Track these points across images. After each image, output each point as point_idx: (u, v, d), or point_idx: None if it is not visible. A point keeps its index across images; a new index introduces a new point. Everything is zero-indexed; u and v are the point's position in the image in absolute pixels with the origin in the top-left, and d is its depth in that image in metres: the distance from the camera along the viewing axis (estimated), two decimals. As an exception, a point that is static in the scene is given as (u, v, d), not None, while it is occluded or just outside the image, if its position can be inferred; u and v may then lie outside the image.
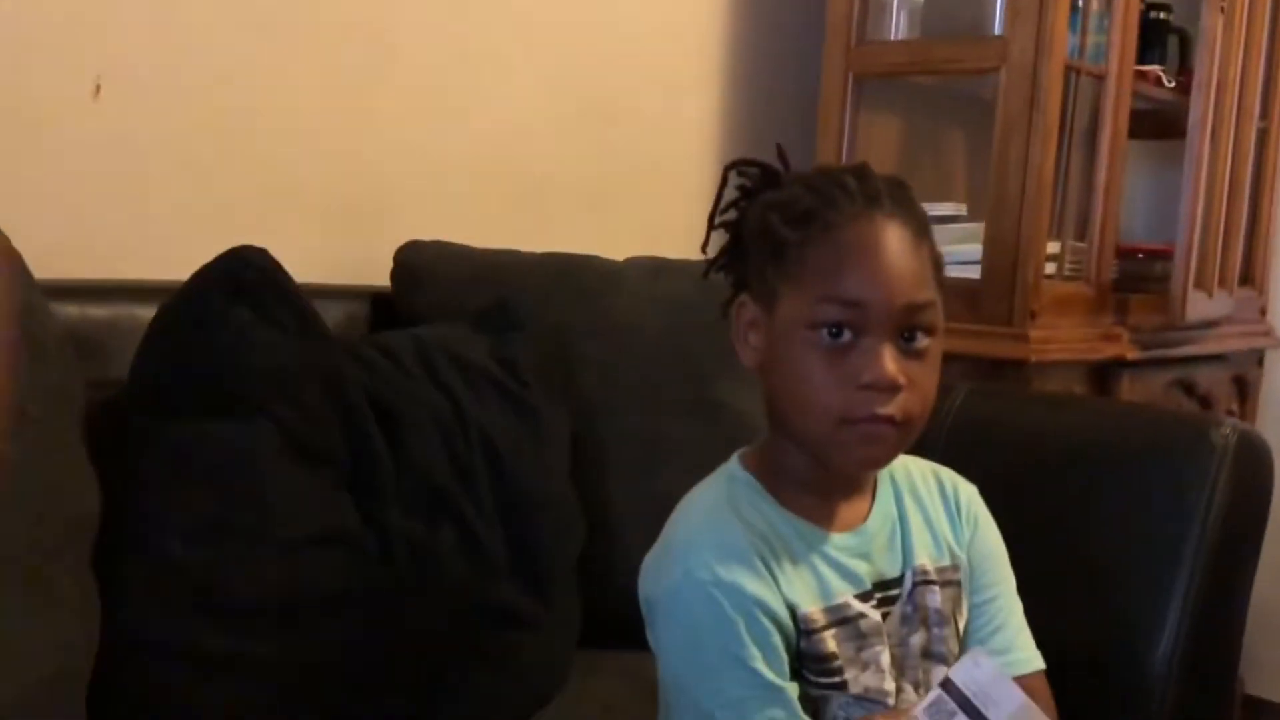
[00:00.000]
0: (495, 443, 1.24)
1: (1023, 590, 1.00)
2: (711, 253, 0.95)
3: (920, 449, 0.92)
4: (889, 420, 0.85)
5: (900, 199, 0.88)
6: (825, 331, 0.85)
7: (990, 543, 1.00)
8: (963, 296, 1.70)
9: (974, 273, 1.74)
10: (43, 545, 0.91)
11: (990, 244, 1.75)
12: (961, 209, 1.91)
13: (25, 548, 0.90)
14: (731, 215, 0.94)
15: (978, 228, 1.80)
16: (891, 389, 0.84)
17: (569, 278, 1.45)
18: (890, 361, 0.84)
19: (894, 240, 0.85)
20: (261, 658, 1.00)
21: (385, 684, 1.06)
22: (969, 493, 1.01)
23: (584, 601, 1.29)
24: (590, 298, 1.44)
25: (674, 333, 1.43)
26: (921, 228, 0.88)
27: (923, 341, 0.86)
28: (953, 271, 1.03)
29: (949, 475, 1.01)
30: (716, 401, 1.41)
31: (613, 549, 1.31)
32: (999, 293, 1.72)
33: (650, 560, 0.90)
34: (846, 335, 0.85)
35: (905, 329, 0.85)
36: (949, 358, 0.90)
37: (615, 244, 1.60)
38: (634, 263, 1.54)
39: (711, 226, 0.94)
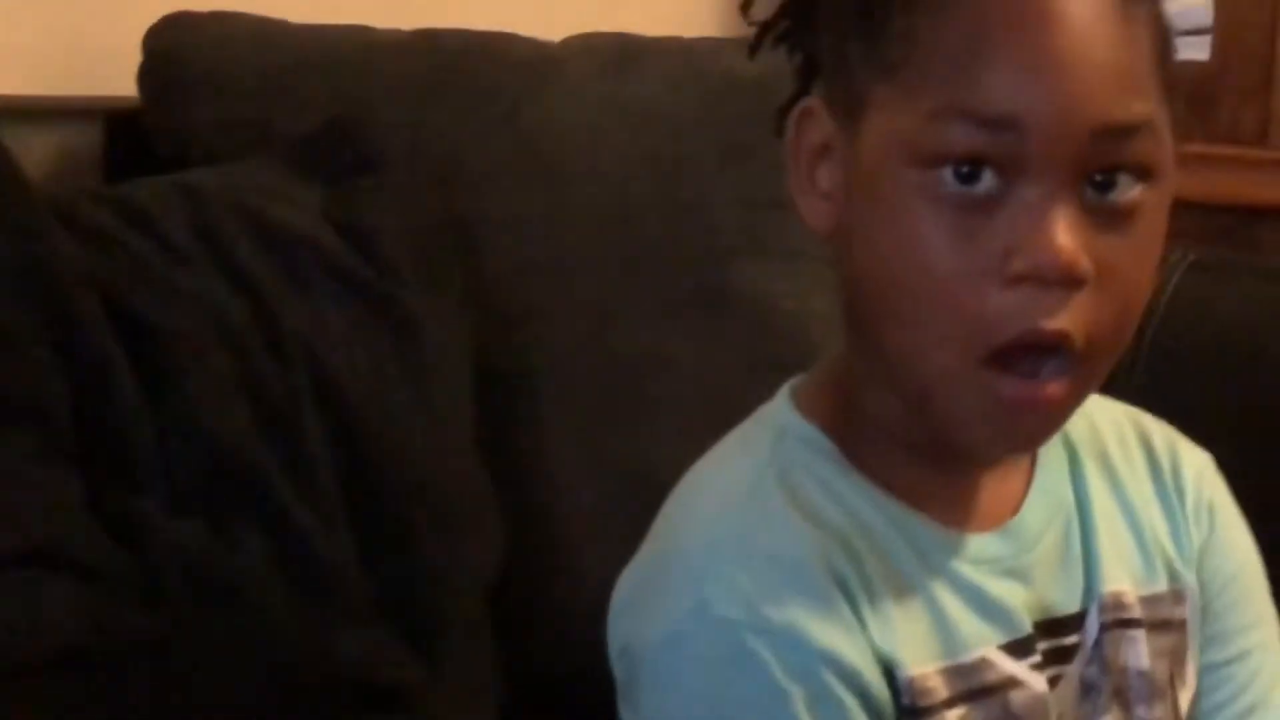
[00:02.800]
0: (337, 380, 1.27)
1: None
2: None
3: (1106, 379, 0.93)
4: (1060, 343, 0.85)
5: None
6: (951, 171, 0.85)
7: (1238, 554, 1.04)
8: (1181, 92, 1.72)
9: (1199, 51, 1.74)
10: None
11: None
12: None
13: None
14: None
15: None
16: (1067, 281, 0.84)
17: (463, 74, 1.47)
18: (1066, 230, 0.84)
19: (1082, 2, 0.86)
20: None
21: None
22: (1199, 465, 1.04)
23: (504, 658, 1.32)
24: (503, 110, 1.45)
25: (655, 171, 1.47)
26: None
27: (1130, 192, 0.87)
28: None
29: (1163, 434, 1.04)
30: (736, 294, 1.45)
31: (554, 566, 1.35)
32: (1245, 87, 1.71)
33: (631, 584, 0.93)
34: (988, 180, 0.85)
35: (1099, 170, 0.86)
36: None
37: (545, 9, 1.61)
38: (579, 45, 1.55)
39: None
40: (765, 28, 0.96)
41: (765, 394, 0.98)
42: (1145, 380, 1.03)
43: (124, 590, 1.13)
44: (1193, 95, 1.72)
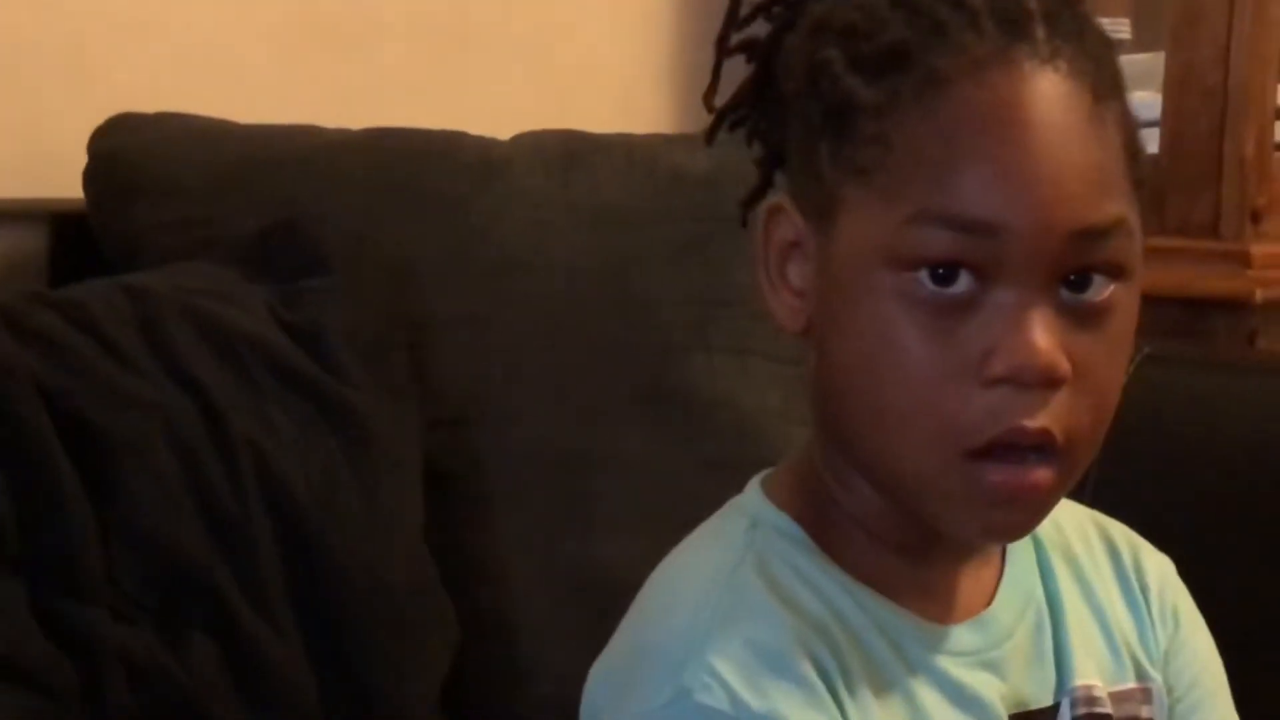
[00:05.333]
0: (286, 483, 1.26)
1: None
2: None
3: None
4: (1041, 442, 0.85)
5: (1066, 23, 0.88)
6: (927, 273, 0.85)
7: (1202, 657, 1.03)
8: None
9: (1150, 144, 1.73)
10: None
11: (1179, 90, 1.76)
12: (1123, 27, 1.92)
13: None
14: (755, 33, 0.94)
15: (1153, 61, 1.81)
16: (1045, 382, 0.85)
17: (411, 174, 1.47)
18: (1043, 331, 0.85)
19: (1055, 105, 0.86)
20: None
21: None
22: (1160, 568, 1.04)
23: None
24: (452, 209, 1.45)
25: (604, 267, 1.47)
26: (1105, 77, 0.89)
27: (1105, 291, 0.87)
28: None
29: (1124, 535, 1.04)
30: (686, 391, 1.44)
31: (508, 667, 1.33)
32: (1195, 179, 1.73)
33: (606, 677, 0.93)
34: (964, 282, 0.85)
35: (1075, 271, 0.86)
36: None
37: (494, 110, 1.63)
38: (527, 143, 1.55)
39: (722, 52, 0.95)
40: (722, 114, 0.96)
41: (717, 492, 0.97)
42: (1103, 474, 1.01)
43: (70, 700, 1.11)
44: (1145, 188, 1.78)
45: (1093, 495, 1.03)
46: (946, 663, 0.92)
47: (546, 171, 1.50)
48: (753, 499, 0.95)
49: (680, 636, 0.88)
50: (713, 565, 0.92)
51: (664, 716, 0.86)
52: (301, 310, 1.32)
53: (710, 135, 0.97)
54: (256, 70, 1.68)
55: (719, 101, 0.97)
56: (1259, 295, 1.71)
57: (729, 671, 0.86)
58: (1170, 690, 1.00)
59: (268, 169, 1.44)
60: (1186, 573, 1.04)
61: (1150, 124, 1.75)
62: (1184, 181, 1.75)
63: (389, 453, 1.31)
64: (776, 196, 0.93)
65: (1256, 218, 1.73)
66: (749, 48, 0.94)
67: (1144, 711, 0.98)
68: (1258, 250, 1.73)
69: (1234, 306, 1.70)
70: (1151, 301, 1.54)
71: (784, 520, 0.93)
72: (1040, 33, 0.86)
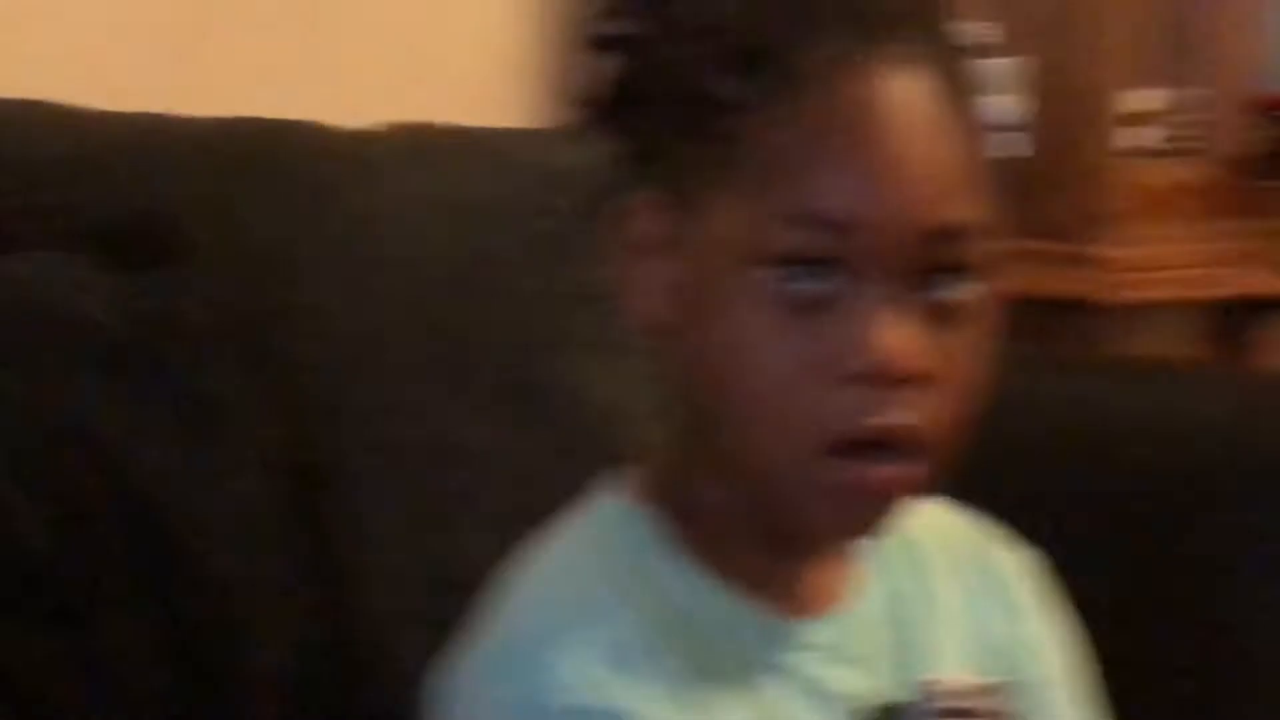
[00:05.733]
0: (136, 472, 1.24)
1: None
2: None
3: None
4: (896, 440, 0.87)
5: (925, 24, 0.90)
6: (785, 271, 0.86)
7: (1064, 650, 1.04)
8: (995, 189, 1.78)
9: (1017, 146, 1.80)
10: None
11: (1041, 95, 1.79)
12: (991, 32, 1.92)
13: None
14: (619, 27, 0.94)
15: (1018, 66, 1.85)
16: (903, 380, 0.86)
17: (273, 163, 1.44)
18: (901, 330, 0.86)
19: (914, 105, 0.87)
20: None
21: None
22: (1023, 564, 1.05)
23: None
24: (313, 200, 1.42)
25: (466, 262, 1.46)
26: (958, 78, 0.90)
27: (962, 289, 0.88)
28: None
29: (983, 529, 1.05)
30: (548, 387, 1.44)
31: (368, 663, 1.32)
32: (1054, 182, 1.76)
33: (455, 675, 0.92)
34: (825, 280, 0.86)
35: (932, 270, 0.87)
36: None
37: (353, 101, 1.61)
38: (389, 134, 1.53)
39: (587, 47, 0.95)
40: (586, 108, 0.96)
41: (576, 484, 0.97)
42: (966, 475, 1.02)
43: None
44: (1005, 188, 1.81)
45: (959, 494, 1.04)
46: (803, 658, 0.93)
47: (408, 163, 1.49)
48: (607, 496, 0.96)
49: (531, 636, 0.89)
50: (565, 563, 0.93)
51: (513, 717, 0.86)
52: (160, 301, 1.30)
53: (575, 130, 0.97)
54: (115, 58, 1.66)
55: (583, 96, 0.97)
56: (1110, 298, 1.74)
57: (579, 671, 0.86)
58: (1031, 683, 1.01)
59: (126, 157, 1.41)
60: (1045, 567, 1.05)
61: (1014, 129, 1.79)
62: (1041, 184, 1.78)
63: (245, 444, 1.30)
64: (637, 192, 0.93)
65: (1109, 221, 1.77)
66: (613, 42, 0.94)
67: (1004, 705, 0.99)
68: (1110, 254, 1.77)
69: (1085, 309, 1.73)
70: (1011, 302, 1.59)
71: (640, 518, 0.93)
72: (900, 33, 0.87)
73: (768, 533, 0.93)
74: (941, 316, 0.88)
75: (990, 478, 1.15)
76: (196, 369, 1.29)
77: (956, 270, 0.88)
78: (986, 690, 0.98)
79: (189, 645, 1.23)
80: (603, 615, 0.89)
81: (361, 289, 1.42)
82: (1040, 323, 1.71)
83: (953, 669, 0.98)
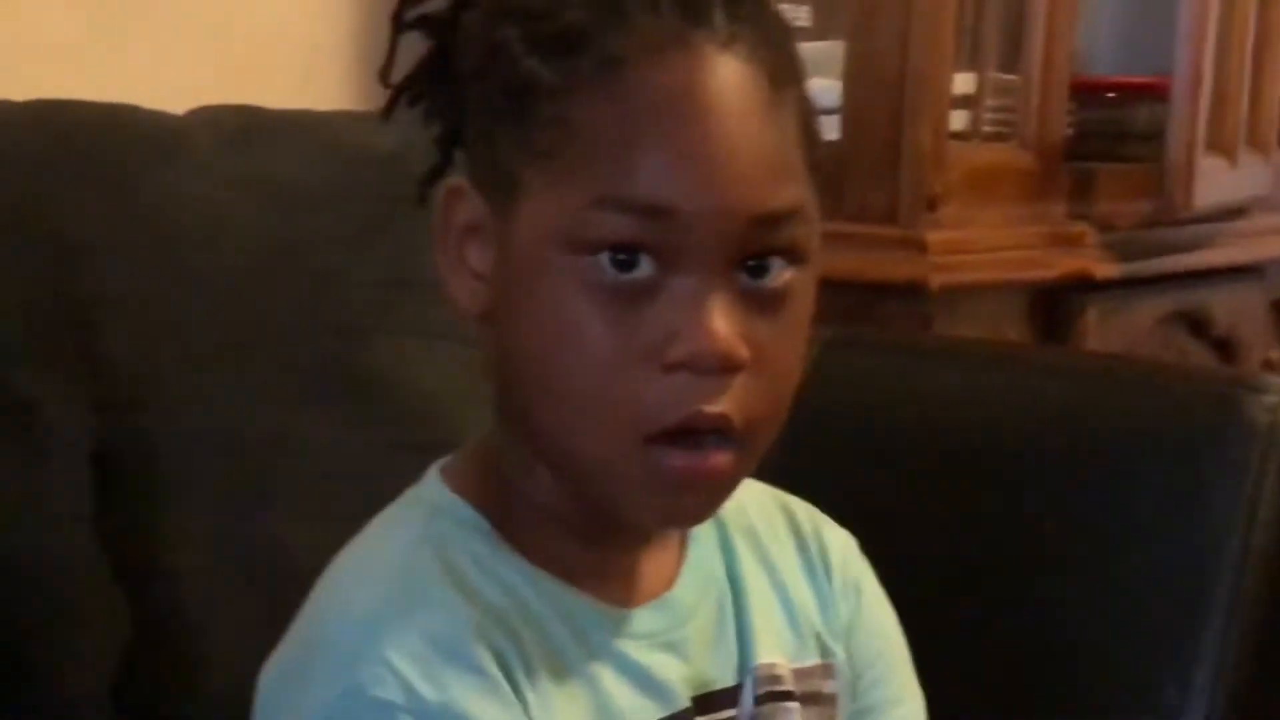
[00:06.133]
0: None
1: (936, 696, 1.05)
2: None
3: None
4: (720, 426, 0.87)
5: (744, 8, 0.89)
6: (606, 258, 0.86)
7: (884, 630, 1.06)
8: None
9: (830, 131, 1.78)
10: None
11: (857, 79, 1.78)
12: (801, 14, 1.94)
13: None
14: (433, 8, 0.94)
15: (833, 49, 1.83)
16: (724, 368, 0.86)
17: (80, 147, 1.41)
18: (722, 317, 0.86)
19: (734, 90, 0.87)
20: None
21: None
22: (842, 544, 1.07)
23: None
24: (122, 184, 1.39)
25: (285, 247, 1.43)
26: (784, 63, 0.90)
27: (782, 276, 0.89)
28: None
29: (806, 513, 1.07)
30: (370, 373, 1.42)
31: (182, 659, 1.30)
32: (873, 166, 1.76)
33: (279, 672, 0.92)
34: (645, 267, 0.86)
35: (753, 256, 0.88)
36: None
37: (168, 83, 1.58)
38: (204, 117, 1.51)
39: (399, 27, 0.94)
40: (399, 91, 0.96)
41: (401, 475, 0.98)
42: (788, 454, 1.04)
43: None
44: (822, 174, 1.83)
45: (778, 475, 1.05)
46: (628, 646, 0.93)
47: (223, 147, 1.47)
48: (431, 486, 0.95)
49: (355, 629, 0.88)
50: (389, 555, 0.92)
51: (337, 710, 0.86)
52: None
53: (386, 111, 0.97)
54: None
55: (397, 77, 0.96)
56: (935, 281, 1.76)
57: (404, 663, 0.85)
58: (853, 662, 1.03)
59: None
60: (870, 549, 1.07)
61: (830, 111, 1.79)
62: (863, 168, 1.78)
63: (54, 437, 1.28)
64: (457, 176, 0.93)
65: (932, 205, 1.77)
66: (426, 23, 0.94)
67: (827, 687, 1.00)
68: (933, 237, 1.78)
69: (911, 292, 1.74)
70: (831, 286, 1.60)
71: (463, 507, 0.93)
72: (718, 17, 0.87)
73: (591, 522, 0.93)
74: (762, 302, 0.88)
75: (809, 459, 1.17)
76: (1, 360, 1.27)
77: (778, 256, 0.88)
78: (806, 672, 1.00)
79: (3, 642, 1.21)
80: (430, 607, 0.88)
81: (172, 276, 1.40)
82: (868, 306, 1.73)
83: (772, 652, 0.99)
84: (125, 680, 1.27)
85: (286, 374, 1.42)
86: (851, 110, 1.80)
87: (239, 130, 1.49)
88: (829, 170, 1.84)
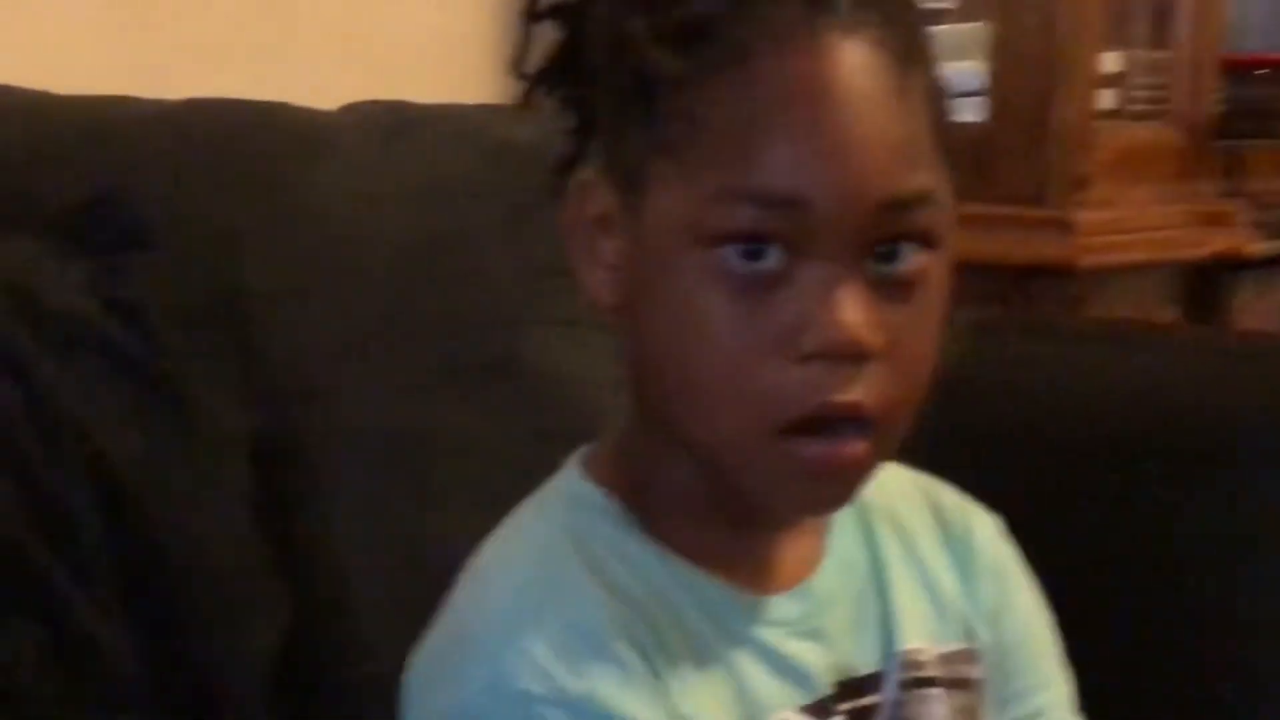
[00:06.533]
0: (111, 462, 1.23)
1: (1089, 683, 1.06)
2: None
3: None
4: (854, 415, 0.87)
5: None
6: (735, 249, 0.86)
7: (1030, 615, 1.06)
8: (956, 156, 1.79)
9: (977, 112, 1.80)
10: None
11: (1003, 59, 1.79)
12: None
13: None
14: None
15: (978, 31, 1.84)
16: (855, 356, 0.86)
17: (234, 145, 1.43)
18: (852, 305, 0.86)
19: (860, 75, 0.86)
20: None
21: None
22: (988, 527, 1.06)
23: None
24: (276, 181, 1.42)
25: (434, 239, 1.45)
26: (912, 44, 0.90)
27: (914, 261, 0.88)
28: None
29: (952, 497, 1.06)
30: (519, 363, 1.43)
31: (342, 648, 1.31)
32: (1020, 147, 1.75)
33: (424, 662, 0.93)
34: (773, 256, 0.86)
35: (883, 242, 0.87)
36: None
37: (318, 81, 1.61)
38: (353, 114, 1.53)
39: (530, 18, 0.95)
40: (531, 81, 0.96)
41: (552, 463, 0.99)
42: (930, 443, 1.03)
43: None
44: (967, 154, 1.82)
45: (926, 460, 1.05)
46: (768, 633, 0.94)
47: (372, 143, 1.48)
48: (571, 477, 0.96)
49: (497, 620, 0.89)
50: (530, 548, 0.93)
51: (481, 702, 0.87)
52: (122, 285, 1.30)
53: (522, 102, 0.97)
54: (74, 41, 1.64)
55: (525, 69, 0.96)
56: (1083, 262, 1.75)
57: (546, 655, 0.86)
58: (998, 648, 1.03)
59: (86, 141, 1.41)
60: (1017, 534, 1.06)
61: (976, 93, 1.79)
62: (1010, 150, 1.78)
63: (215, 431, 1.30)
64: (587, 169, 0.94)
65: (1080, 185, 1.76)
66: (557, 14, 0.94)
67: (972, 672, 1.00)
68: (1082, 218, 1.77)
69: (1059, 273, 1.74)
70: (977, 269, 1.62)
71: (603, 498, 0.94)
72: (843, 3, 0.86)
73: (729, 509, 0.93)
74: (893, 288, 0.88)
75: (960, 444, 1.16)
76: (163, 355, 1.29)
77: (909, 241, 0.88)
78: (950, 656, 1.00)
79: (165, 633, 1.23)
80: (571, 598, 0.89)
81: (326, 271, 1.41)
82: (1014, 289, 1.73)
83: (915, 638, 0.99)
84: (286, 666, 1.29)
85: (437, 366, 1.43)
86: (998, 91, 1.80)
87: (387, 125, 1.50)
88: (975, 152, 1.85)
